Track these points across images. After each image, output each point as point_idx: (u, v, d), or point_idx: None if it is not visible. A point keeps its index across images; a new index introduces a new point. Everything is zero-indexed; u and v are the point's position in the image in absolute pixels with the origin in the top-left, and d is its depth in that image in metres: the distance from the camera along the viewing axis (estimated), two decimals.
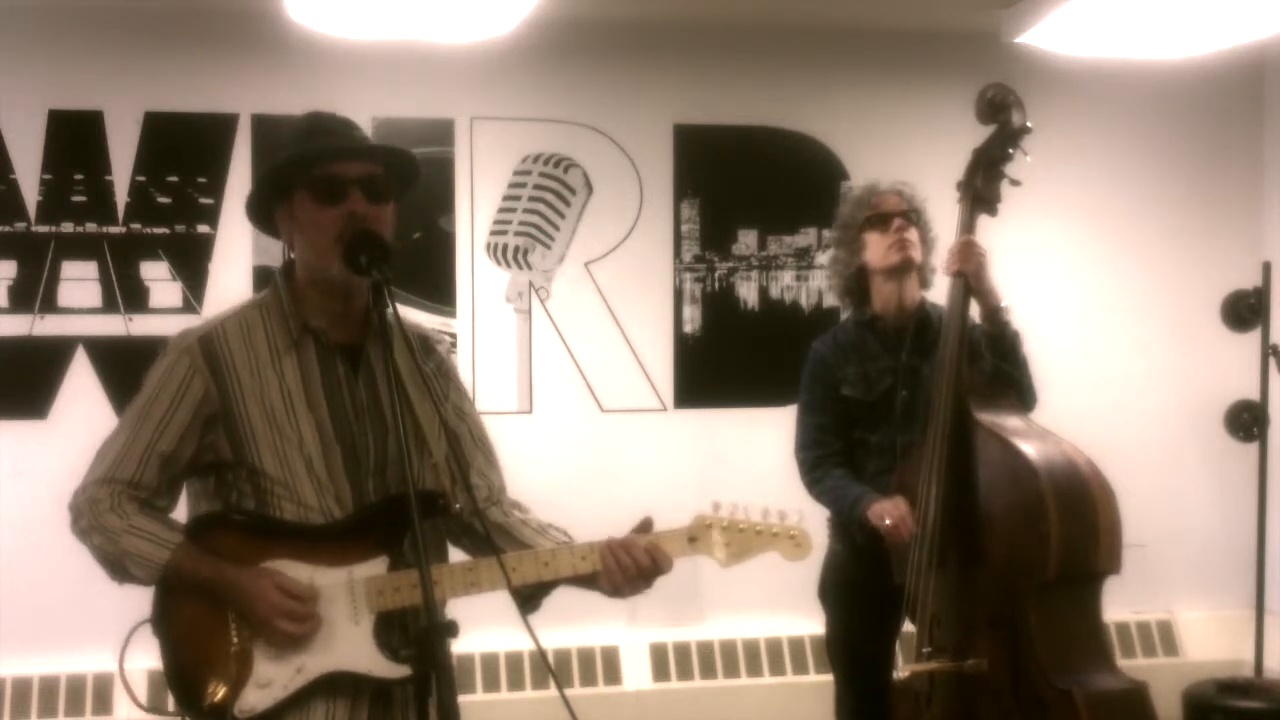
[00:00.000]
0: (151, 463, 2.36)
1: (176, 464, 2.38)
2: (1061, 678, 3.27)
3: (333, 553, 2.34)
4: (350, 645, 2.32)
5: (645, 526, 2.46)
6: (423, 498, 2.29)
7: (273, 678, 2.30)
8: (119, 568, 2.35)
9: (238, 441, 2.36)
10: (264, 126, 5.06)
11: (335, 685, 2.33)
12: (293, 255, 2.47)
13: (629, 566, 2.38)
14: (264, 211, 2.48)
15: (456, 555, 2.50)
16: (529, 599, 2.45)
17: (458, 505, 2.45)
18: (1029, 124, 3.52)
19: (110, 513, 2.34)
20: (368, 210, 2.35)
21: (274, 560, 2.33)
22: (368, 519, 2.37)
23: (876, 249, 3.69)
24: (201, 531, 2.37)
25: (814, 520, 2.64)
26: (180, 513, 2.46)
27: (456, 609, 2.39)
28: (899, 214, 3.68)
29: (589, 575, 2.41)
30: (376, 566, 2.34)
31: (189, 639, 2.33)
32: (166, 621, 2.35)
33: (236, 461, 2.36)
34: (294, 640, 2.30)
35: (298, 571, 2.32)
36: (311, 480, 2.36)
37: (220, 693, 2.28)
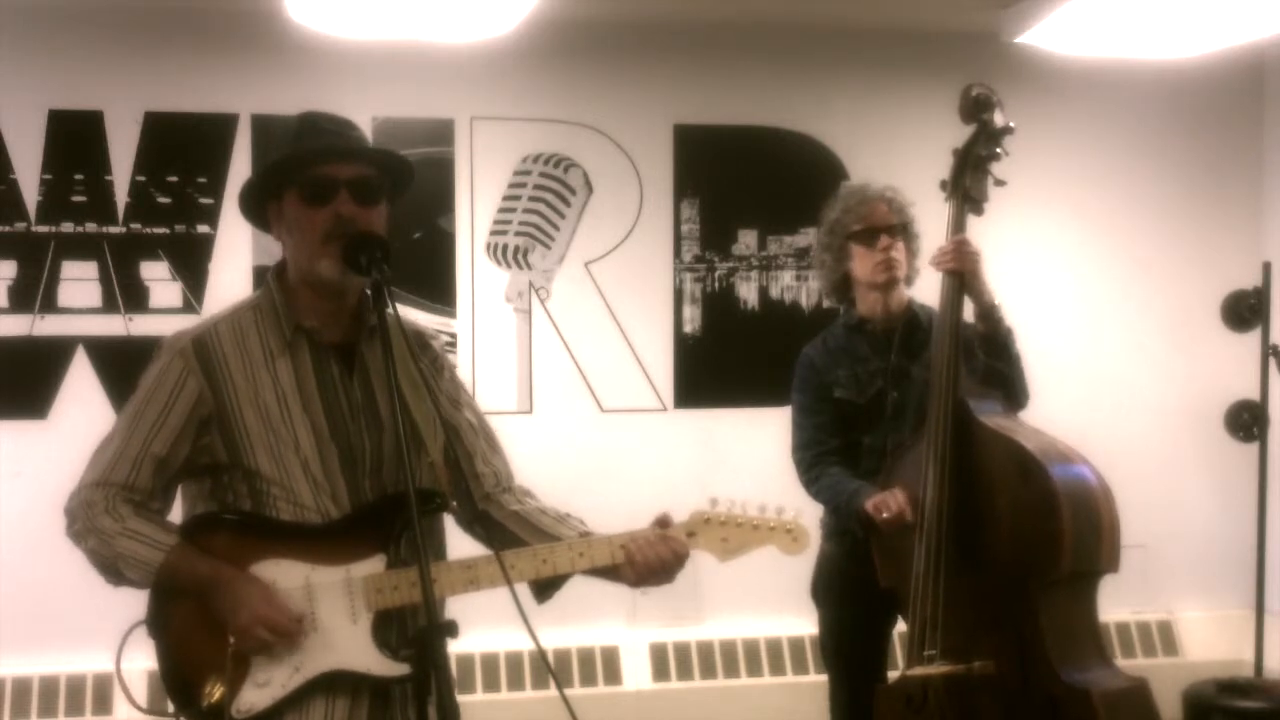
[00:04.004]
0: (146, 466, 2.36)
1: (171, 467, 2.38)
2: (1071, 675, 3.27)
3: (330, 552, 2.33)
4: (349, 644, 2.32)
5: (664, 522, 2.47)
6: (421, 496, 2.29)
7: (271, 677, 2.30)
8: (113, 570, 2.35)
9: (233, 443, 2.36)
10: (264, 126, 5.06)
11: (334, 684, 2.33)
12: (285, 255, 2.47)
13: (654, 561, 2.41)
14: (257, 208, 2.48)
15: (458, 551, 2.49)
16: (545, 587, 2.46)
17: (454, 503, 2.46)
18: (1011, 124, 3.53)
19: (105, 515, 2.33)
20: (355, 212, 2.35)
21: (271, 560, 2.32)
22: (364, 518, 2.37)
23: (863, 263, 3.67)
24: (197, 532, 2.37)
25: (809, 519, 2.64)
26: (175, 516, 2.45)
27: (457, 609, 2.39)
28: (886, 229, 3.65)
29: (612, 567, 2.43)
30: (374, 565, 2.34)
31: (185, 639, 2.33)
32: (162, 622, 2.35)
33: (232, 463, 2.36)
34: (278, 645, 2.29)
35: (294, 571, 2.32)
36: (308, 481, 2.36)
37: (218, 692, 2.27)
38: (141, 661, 2.40)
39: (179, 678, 2.33)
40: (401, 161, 2.49)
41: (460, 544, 2.53)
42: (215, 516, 2.39)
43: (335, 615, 2.32)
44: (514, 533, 2.51)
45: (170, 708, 2.36)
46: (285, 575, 2.32)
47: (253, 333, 2.41)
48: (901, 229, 3.69)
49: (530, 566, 2.39)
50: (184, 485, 2.44)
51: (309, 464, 2.36)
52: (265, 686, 2.29)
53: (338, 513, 2.36)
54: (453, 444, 2.50)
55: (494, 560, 2.35)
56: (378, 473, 2.41)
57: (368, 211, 2.37)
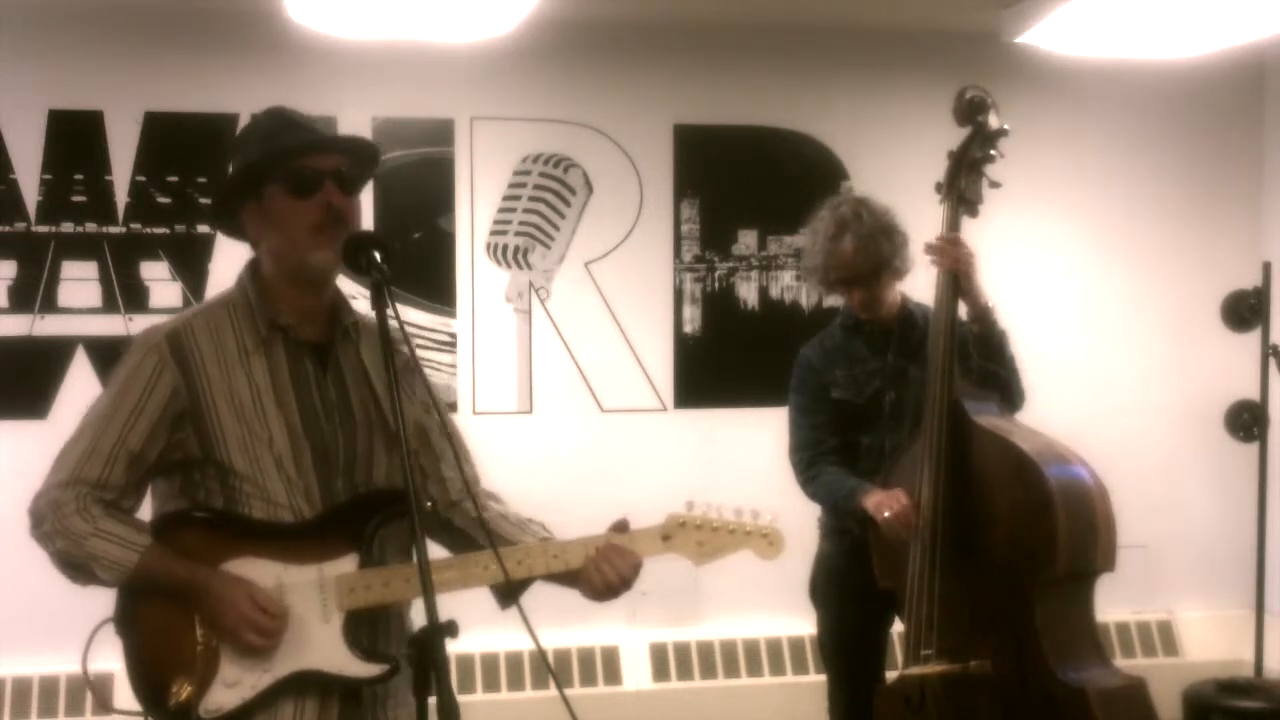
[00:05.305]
0: (119, 462, 2.33)
1: (144, 463, 2.35)
2: (1068, 675, 3.29)
3: (302, 551, 2.32)
4: (320, 644, 2.30)
5: (621, 527, 2.45)
6: (395, 495, 2.30)
7: (241, 677, 2.27)
8: (84, 571, 2.32)
9: (206, 439, 2.33)
10: None
11: (304, 685, 2.31)
12: (257, 253, 2.46)
13: (611, 577, 2.39)
14: (230, 210, 2.45)
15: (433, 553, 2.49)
16: (508, 594, 2.43)
17: (430, 502, 2.46)
18: (1005, 126, 3.52)
19: (75, 516, 2.30)
20: (342, 202, 2.36)
21: (243, 558, 2.30)
22: (337, 517, 2.35)
23: (847, 300, 3.74)
24: (168, 530, 2.35)
25: (798, 519, 2.63)
26: (145, 513, 2.43)
27: (457, 609, 2.38)
28: (856, 280, 3.66)
29: (567, 574, 2.41)
30: (347, 564, 2.32)
31: (154, 638, 2.30)
32: (131, 621, 2.33)
33: (205, 459, 2.34)
34: (267, 647, 2.27)
35: (267, 569, 2.30)
36: (281, 478, 2.34)
37: (185, 692, 2.25)
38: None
39: (147, 677, 2.30)
40: (369, 147, 2.53)
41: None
42: (186, 514, 2.36)
43: (307, 615, 2.30)
44: (475, 540, 2.49)
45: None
46: (257, 574, 2.30)
47: (227, 329, 2.39)
48: (874, 269, 3.65)
49: (507, 567, 2.38)
50: (154, 482, 2.41)
51: (282, 461, 2.33)
52: (234, 687, 2.27)
53: (310, 511, 2.34)
54: (422, 446, 2.50)
55: (468, 561, 2.35)
56: (350, 471, 2.39)
57: (350, 201, 2.39)
